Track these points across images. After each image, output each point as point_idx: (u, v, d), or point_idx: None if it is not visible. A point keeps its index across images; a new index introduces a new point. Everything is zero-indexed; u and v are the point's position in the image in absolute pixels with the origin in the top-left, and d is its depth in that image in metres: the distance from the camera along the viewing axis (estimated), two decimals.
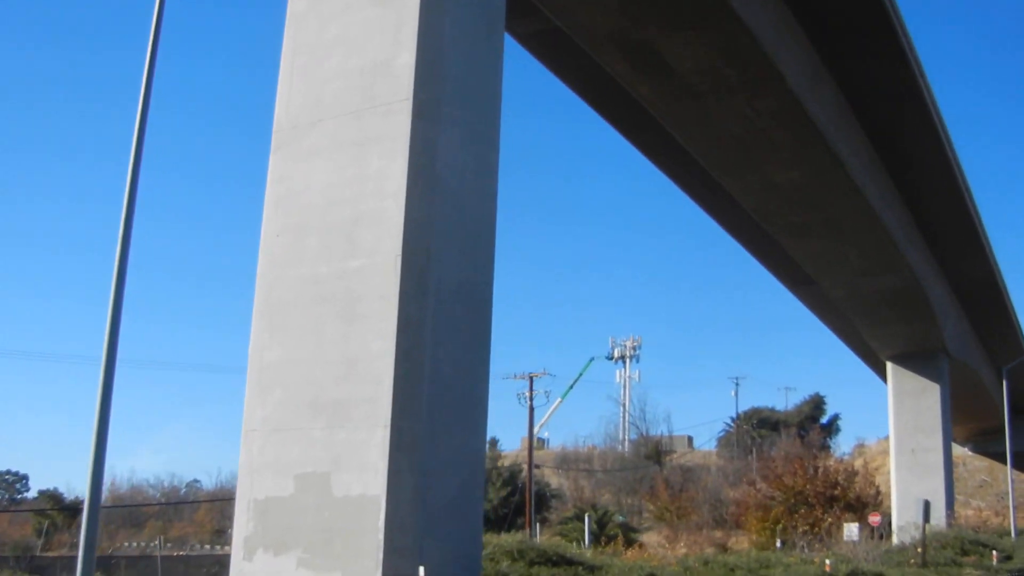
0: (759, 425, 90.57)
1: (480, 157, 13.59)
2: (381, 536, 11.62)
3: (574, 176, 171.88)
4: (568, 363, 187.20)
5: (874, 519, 47.55)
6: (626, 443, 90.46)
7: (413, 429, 12.07)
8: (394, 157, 12.80)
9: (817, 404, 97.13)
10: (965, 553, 31.98)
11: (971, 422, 66.19)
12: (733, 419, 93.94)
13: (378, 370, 12.20)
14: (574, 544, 45.32)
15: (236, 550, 13.08)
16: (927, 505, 28.89)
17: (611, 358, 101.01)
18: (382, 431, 11.97)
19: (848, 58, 28.55)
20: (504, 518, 49.12)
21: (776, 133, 28.44)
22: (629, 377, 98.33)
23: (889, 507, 49.15)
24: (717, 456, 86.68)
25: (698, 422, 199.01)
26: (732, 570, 19.42)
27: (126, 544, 64.21)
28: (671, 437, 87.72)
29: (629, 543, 48.56)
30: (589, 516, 43.91)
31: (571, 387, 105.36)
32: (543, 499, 54.23)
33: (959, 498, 67.04)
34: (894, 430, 47.86)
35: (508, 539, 15.49)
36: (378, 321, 12.37)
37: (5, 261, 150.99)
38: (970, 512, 61.84)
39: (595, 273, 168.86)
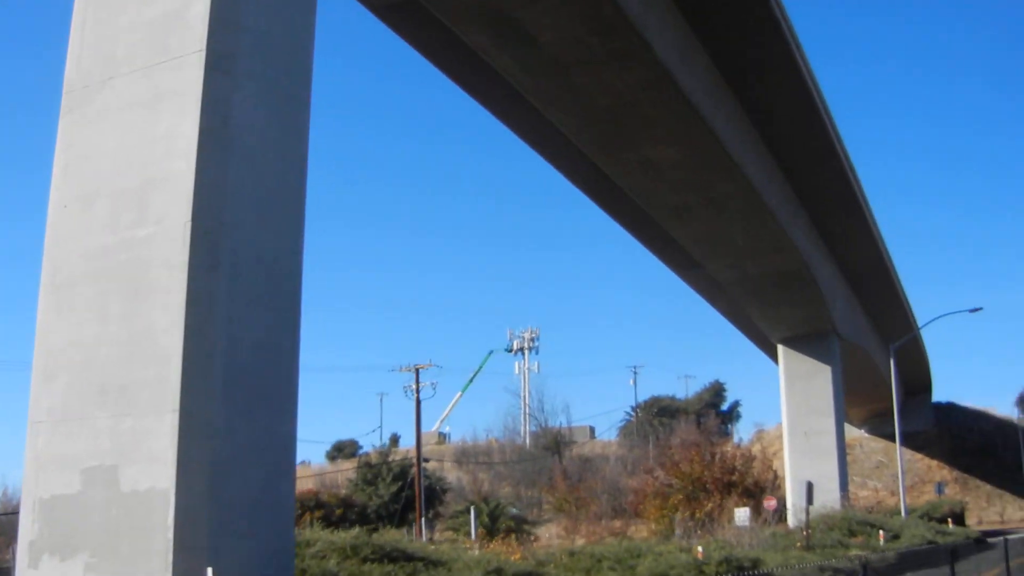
0: (660, 414, 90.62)
1: (285, 117, 12.46)
2: (171, 534, 10.46)
3: (446, 153, 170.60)
4: (468, 357, 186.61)
5: (769, 503, 47.37)
6: (526, 435, 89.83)
7: (205, 414, 10.92)
8: (185, 115, 11.62)
9: (717, 391, 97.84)
10: (853, 534, 31.77)
11: (867, 404, 66.83)
12: (633, 408, 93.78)
13: (165, 349, 11.03)
14: (462, 538, 44.61)
15: (21, 556, 11.80)
16: (810, 487, 28.55)
17: (510, 350, 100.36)
18: (170, 417, 10.80)
19: (721, 29, 28.00)
20: (394, 514, 47.92)
21: (648, 108, 27.75)
22: (528, 369, 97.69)
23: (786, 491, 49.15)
24: (618, 446, 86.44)
25: (598, 412, 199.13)
26: (599, 560, 18.57)
27: None
28: (571, 428, 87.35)
29: (521, 536, 47.73)
30: (476, 509, 42.86)
31: (471, 381, 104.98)
32: (435, 494, 53.11)
33: (856, 479, 67.75)
34: (786, 413, 47.81)
35: (341, 535, 14.36)
36: (165, 295, 11.19)
37: None
38: (867, 493, 62.46)
39: (489, 265, 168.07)
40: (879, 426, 70.21)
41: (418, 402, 47.18)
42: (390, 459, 54.54)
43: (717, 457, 56.58)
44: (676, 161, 30.89)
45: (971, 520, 61.02)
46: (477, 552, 22.46)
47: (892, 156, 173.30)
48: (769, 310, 44.67)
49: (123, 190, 11.91)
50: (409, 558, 14.24)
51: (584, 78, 25.98)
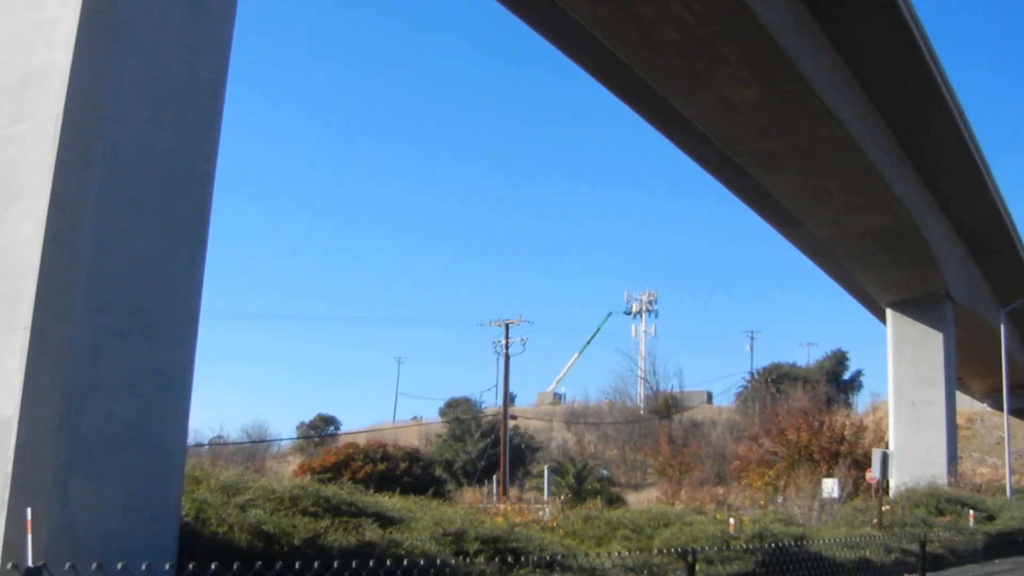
0: (778, 380, 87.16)
1: (194, 3, 10.71)
2: (10, 468, 8.92)
3: (548, 126, 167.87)
4: (586, 318, 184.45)
5: (871, 476, 44.46)
6: (641, 398, 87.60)
7: (63, 333, 9.31)
8: None
9: (839, 360, 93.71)
10: (941, 513, 28.78)
11: (989, 376, 62.35)
12: (751, 374, 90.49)
13: (25, 259, 9.46)
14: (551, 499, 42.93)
15: None
16: (885, 458, 25.70)
17: (628, 312, 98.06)
18: (22, 335, 9.24)
19: None
20: (483, 471, 46.53)
21: (721, 42, 25.21)
22: (644, 332, 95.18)
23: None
24: (732, 412, 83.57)
25: (714, 377, 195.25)
26: (615, 528, 16.52)
27: None
28: (685, 393, 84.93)
29: (611, 500, 45.85)
30: (562, 470, 41.05)
31: (589, 342, 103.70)
32: (522, 453, 51.48)
33: (974, 455, 63.61)
34: (893, 381, 44.49)
35: (286, 483, 12.68)
36: (32, 197, 9.61)
37: None
38: (986, 470, 58.32)
39: (610, 226, 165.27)
40: (1003, 400, 65.44)
41: (507, 358, 45.62)
42: (480, 416, 53.01)
43: (825, 426, 54.07)
44: (756, 102, 28.19)
45: None
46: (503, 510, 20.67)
47: (1010, 106, 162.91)
48: (875, 272, 41.42)
49: (4, 85, 10.36)
50: (359, 512, 12.50)
51: (647, 6, 23.61)
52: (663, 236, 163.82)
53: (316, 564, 6.75)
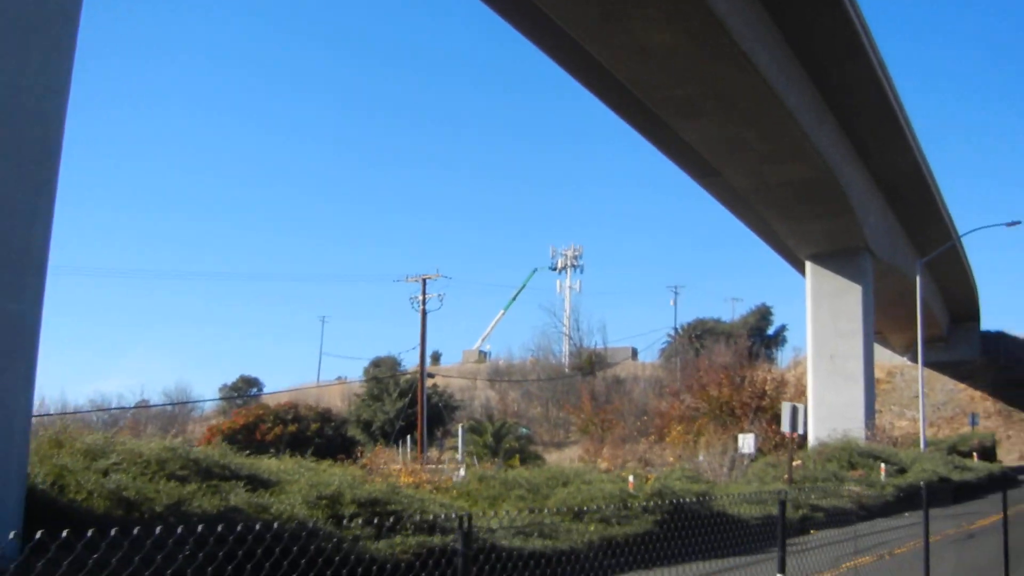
0: (703, 336, 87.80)
1: None
2: None
3: (484, 84, 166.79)
4: (510, 274, 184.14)
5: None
6: (566, 355, 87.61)
7: None
8: None
9: (763, 315, 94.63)
10: (853, 467, 28.95)
11: (909, 330, 63.23)
12: (674, 330, 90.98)
13: None
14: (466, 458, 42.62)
15: None
16: (794, 411, 25.63)
17: (554, 268, 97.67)
18: None
19: None
20: (401, 431, 46.02)
21: None
22: (569, 288, 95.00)
23: None
24: (657, 369, 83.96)
25: (638, 334, 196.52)
26: (510, 488, 16.11)
27: None
28: (609, 349, 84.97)
29: (530, 459, 45.67)
30: (480, 428, 40.70)
31: (514, 298, 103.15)
32: (441, 412, 51.07)
33: (894, 409, 64.60)
34: (811, 334, 44.77)
35: (154, 445, 12.01)
36: None
37: None
38: (904, 423, 59.25)
39: (535, 180, 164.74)
40: (924, 354, 66.66)
41: (424, 314, 44.91)
42: (399, 374, 52.43)
43: (747, 381, 54.35)
44: (673, 47, 27.74)
45: (1010, 456, 57.77)
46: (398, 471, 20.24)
47: (929, 47, 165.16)
48: (794, 224, 41.48)
49: None
50: (232, 476, 11.91)
51: None
52: (587, 190, 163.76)
53: (179, 530, 6.21)
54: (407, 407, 48.11)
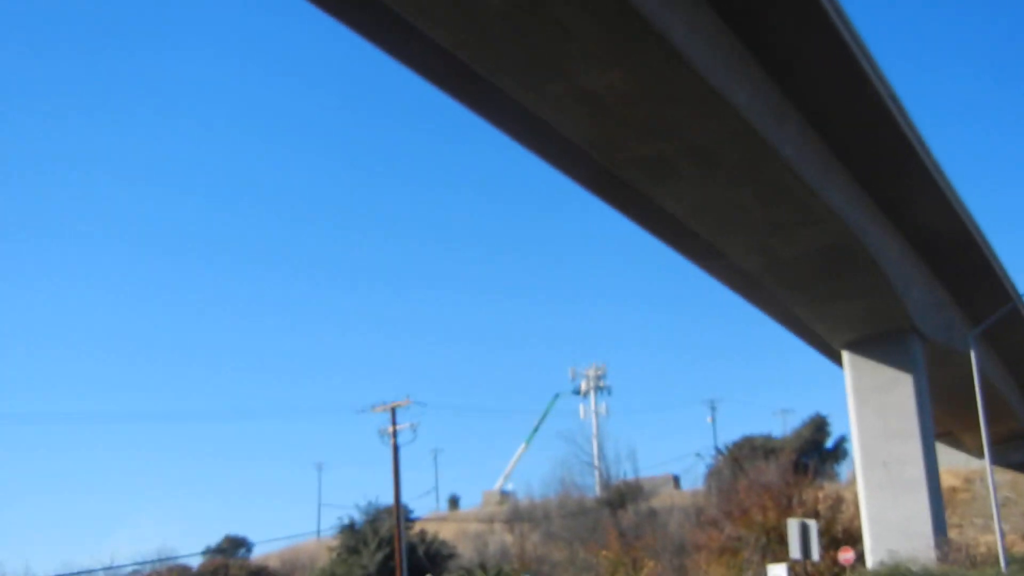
0: (752, 456, 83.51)
1: None
2: None
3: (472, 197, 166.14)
4: (529, 400, 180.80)
5: (845, 556, 40.46)
6: (598, 487, 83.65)
7: None
8: None
9: (819, 427, 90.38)
10: None
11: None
12: (717, 451, 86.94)
13: None
14: None
15: None
16: (803, 531, 21.72)
17: (577, 392, 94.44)
18: None
19: None
20: None
21: (558, 7, 21.58)
22: (596, 412, 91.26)
23: None
24: (701, 496, 79.63)
25: (672, 458, 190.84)
26: None
27: None
28: (638, 479, 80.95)
29: None
30: None
31: (536, 429, 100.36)
32: (436, 560, 47.10)
33: (976, 521, 59.87)
34: (857, 438, 40.60)
35: None
36: None
37: None
38: (991, 538, 54.27)
39: (544, 299, 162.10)
40: (1004, 453, 61.74)
41: (395, 447, 41.36)
42: (377, 523, 48.56)
43: (795, 501, 50.90)
44: (624, 91, 24.48)
45: None
46: None
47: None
48: (819, 306, 37.80)
49: None
50: None
51: None
52: (603, 303, 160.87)
53: None
54: (388, 559, 44.27)
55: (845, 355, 40.67)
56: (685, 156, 27.89)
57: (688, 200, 30.47)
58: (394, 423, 41.84)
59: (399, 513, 40.66)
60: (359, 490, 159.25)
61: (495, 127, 28.37)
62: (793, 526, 22.40)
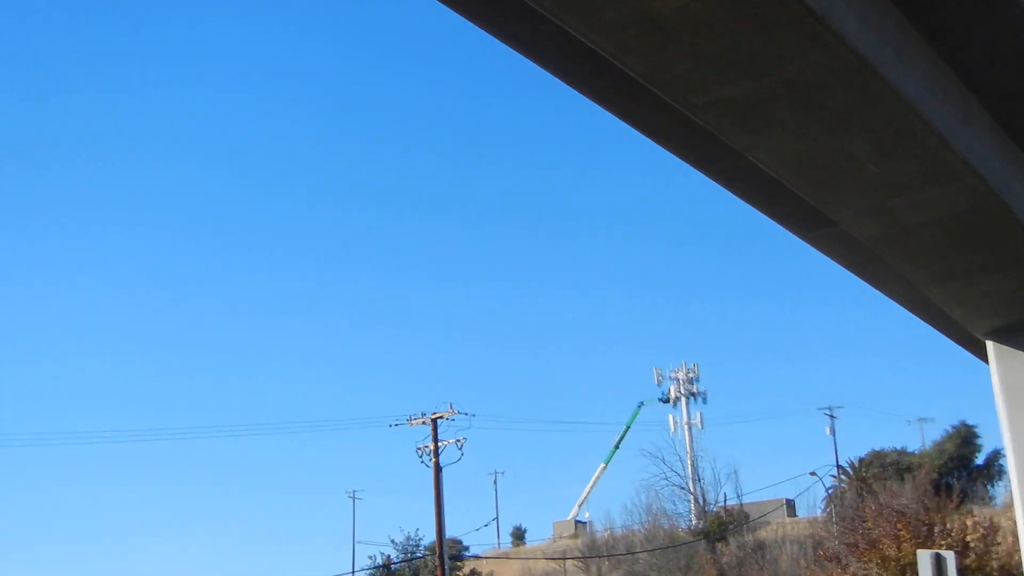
0: (884, 474, 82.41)
1: None
2: None
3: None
4: (610, 414, 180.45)
5: None
6: (691, 515, 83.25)
7: None
8: None
9: (966, 438, 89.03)
10: None
11: None
12: (839, 468, 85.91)
13: None
14: None
15: None
16: (938, 563, 20.29)
17: (665, 399, 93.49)
18: None
19: None
20: None
21: None
22: (688, 423, 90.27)
23: None
24: (819, 525, 78.75)
25: (784, 478, 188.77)
26: None
27: None
28: (742, 504, 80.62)
29: None
30: None
31: (616, 446, 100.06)
32: None
33: None
34: (1013, 451, 39.22)
35: None
36: None
37: None
38: None
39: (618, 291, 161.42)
40: None
41: (437, 467, 40.61)
42: (415, 560, 47.92)
43: (938, 531, 50.19)
44: (699, 15, 23.21)
45: None
46: None
47: None
48: (955, 285, 36.52)
49: None
50: None
51: None
52: (691, 293, 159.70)
53: None
54: None
55: (990, 346, 39.66)
56: (781, 97, 26.63)
57: (785, 153, 29.25)
58: (435, 438, 40.98)
59: (442, 551, 39.91)
60: (398, 519, 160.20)
61: (547, 69, 27.49)
62: (924, 559, 21.06)
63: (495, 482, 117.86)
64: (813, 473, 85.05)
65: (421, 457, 41.15)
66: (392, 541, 75.97)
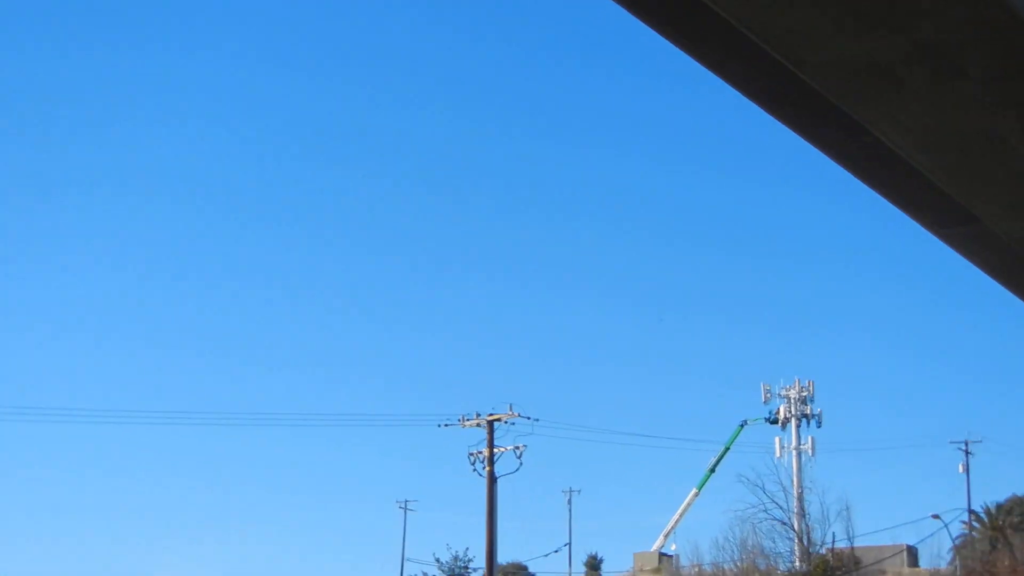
0: (1022, 523, 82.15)
1: None
2: None
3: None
4: (707, 432, 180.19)
5: None
6: (795, 556, 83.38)
7: None
8: None
9: None
10: None
11: None
12: (973, 514, 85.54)
13: None
14: None
15: None
16: None
17: (773, 419, 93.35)
18: None
19: None
20: None
21: None
22: (797, 449, 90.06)
23: None
24: None
25: (905, 519, 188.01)
26: None
27: None
28: (854, 548, 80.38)
29: None
30: None
31: (712, 469, 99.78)
32: None
33: None
34: None
35: None
36: None
37: None
38: None
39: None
40: None
41: (491, 475, 40.84)
42: None
43: None
44: None
45: None
46: None
47: None
48: None
49: None
50: None
51: None
52: (805, 300, 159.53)
53: None
54: None
55: None
56: (913, 60, 26.32)
57: (917, 128, 28.89)
58: (491, 443, 41.17)
59: (491, 573, 40.13)
60: (445, 534, 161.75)
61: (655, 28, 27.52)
62: None
63: (569, 501, 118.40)
64: (936, 516, 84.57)
65: (474, 464, 41.37)
66: (437, 560, 76.22)
